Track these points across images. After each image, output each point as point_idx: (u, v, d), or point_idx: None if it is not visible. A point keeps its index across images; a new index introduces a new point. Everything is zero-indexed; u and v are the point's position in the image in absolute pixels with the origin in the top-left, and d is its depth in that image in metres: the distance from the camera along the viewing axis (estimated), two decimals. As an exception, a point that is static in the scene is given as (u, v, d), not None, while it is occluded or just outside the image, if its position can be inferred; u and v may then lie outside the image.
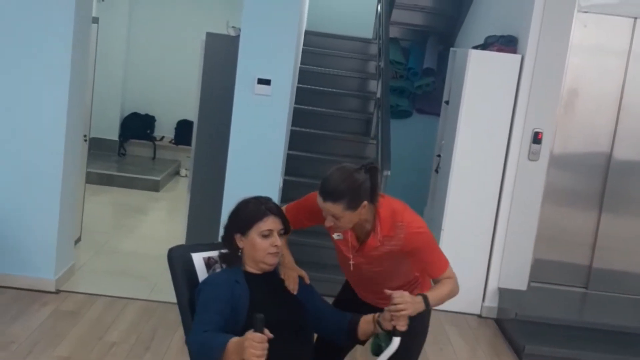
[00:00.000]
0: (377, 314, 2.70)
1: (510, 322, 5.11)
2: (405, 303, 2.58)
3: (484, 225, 5.39)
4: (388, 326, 2.61)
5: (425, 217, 6.25)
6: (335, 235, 2.86)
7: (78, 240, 5.81)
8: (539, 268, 5.43)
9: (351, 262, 2.86)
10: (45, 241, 4.78)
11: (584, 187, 5.43)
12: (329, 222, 2.71)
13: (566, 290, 5.50)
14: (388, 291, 2.61)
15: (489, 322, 5.36)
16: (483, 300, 5.44)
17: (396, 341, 2.59)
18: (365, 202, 2.67)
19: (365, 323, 2.74)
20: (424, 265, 2.87)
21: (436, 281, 2.85)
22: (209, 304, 2.56)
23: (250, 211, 2.73)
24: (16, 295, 4.68)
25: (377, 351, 2.69)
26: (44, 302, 4.65)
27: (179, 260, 2.86)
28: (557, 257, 5.49)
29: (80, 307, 4.65)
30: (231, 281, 2.65)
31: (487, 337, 5.11)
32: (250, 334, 2.27)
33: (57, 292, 4.83)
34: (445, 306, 5.39)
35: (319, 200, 2.69)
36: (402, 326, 2.57)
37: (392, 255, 2.80)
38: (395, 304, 2.57)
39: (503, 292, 5.36)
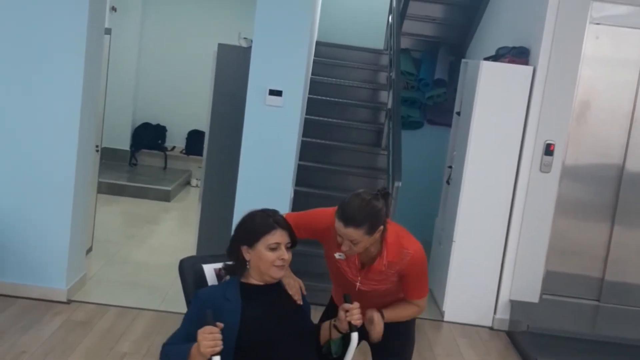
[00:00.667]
0: (332, 320, 2.80)
1: (522, 334, 5.08)
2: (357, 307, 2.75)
3: (495, 237, 5.37)
4: (344, 325, 2.72)
5: (437, 228, 6.24)
6: (337, 255, 2.96)
7: (89, 250, 5.83)
8: (551, 280, 5.40)
9: (357, 285, 2.96)
10: (57, 251, 4.80)
11: (596, 198, 5.40)
12: (345, 247, 2.80)
13: (578, 302, 5.46)
14: (346, 306, 2.74)
15: (501, 335, 5.33)
16: (494, 312, 5.42)
17: (354, 336, 2.73)
18: (381, 227, 2.81)
19: (324, 329, 2.83)
20: (406, 287, 3.00)
21: (410, 301, 3.03)
22: (185, 322, 2.62)
23: (258, 224, 2.74)
24: (28, 305, 4.69)
25: (327, 351, 2.81)
26: (56, 312, 4.66)
27: (190, 271, 2.88)
28: (570, 270, 5.45)
29: (92, 317, 4.65)
30: (219, 299, 2.64)
31: (498, 349, 5.08)
32: (201, 329, 2.38)
33: (69, 302, 4.84)
34: (457, 318, 5.45)
35: (339, 226, 2.77)
36: (356, 320, 2.72)
37: (391, 278, 2.94)
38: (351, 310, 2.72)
39: (515, 305, 5.33)
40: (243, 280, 2.75)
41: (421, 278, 2.98)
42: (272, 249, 2.69)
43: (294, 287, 2.84)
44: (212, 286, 2.81)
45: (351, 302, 2.73)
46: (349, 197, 2.81)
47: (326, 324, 2.83)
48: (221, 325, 2.41)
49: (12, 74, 4.66)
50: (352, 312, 2.70)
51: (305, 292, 2.90)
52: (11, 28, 4.61)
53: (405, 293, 3.01)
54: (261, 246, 2.69)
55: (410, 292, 3.01)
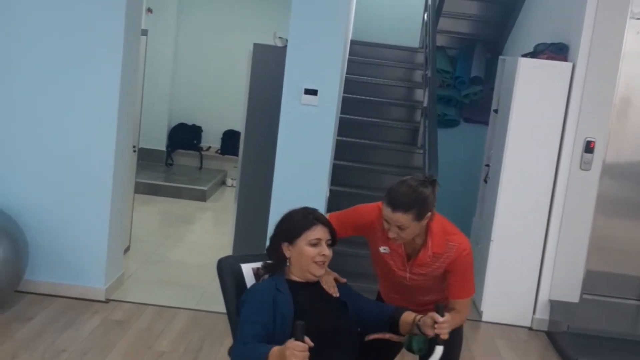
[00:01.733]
0: (418, 316, 2.72)
1: (562, 335, 5.00)
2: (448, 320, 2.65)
3: (534, 236, 5.29)
4: (429, 332, 2.64)
5: (474, 227, 6.18)
6: (382, 249, 2.94)
7: (127, 250, 5.88)
8: (591, 280, 5.30)
9: (408, 276, 2.93)
10: (96, 251, 4.85)
11: (637, 196, 5.28)
12: (392, 234, 2.78)
13: (619, 302, 5.36)
14: (439, 318, 2.62)
15: (540, 335, 5.25)
16: (534, 312, 5.34)
17: (439, 350, 2.64)
18: (430, 214, 2.78)
19: (406, 322, 2.77)
20: (451, 284, 2.92)
21: (453, 302, 2.92)
22: (251, 316, 2.58)
23: (299, 220, 2.74)
24: (67, 304, 4.75)
25: (409, 347, 2.74)
26: (94, 311, 4.71)
27: (228, 271, 2.87)
28: (610, 269, 5.35)
29: (130, 317, 4.69)
30: (273, 289, 2.65)
31: (538, 350, 5.01)
32: (292, 343, 2.29)
33: (107, 301, 4.88)
34: (496, 318, 5.39)
35: (387, 211, 2.75)
36: (445, 335, 2.62)
37: (438, 271, 2.89)
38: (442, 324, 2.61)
39: (554, 304, 5.26)
40: (285, 277, 2.75)
41: (466, 275, 2.91)
42: (313, 245, 2.69)
43: (328, 281, 2.83)
44: (260, 283, 2.79)
45: (442, 314, 2.63)
46: (396, 183, 2.79)
47: (409, 317, 2.76)
48: (311, 343, 2.33)
49: (51, 75, 4.71)
50: (442, 327, 2.60)
51: (342, 281, 2.88)
52: (49, 29, 4.66)
53: (449, 291, 2.93)
54: (302, 242, 2.70)
55: (455, 289, 2.91)
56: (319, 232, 2.71)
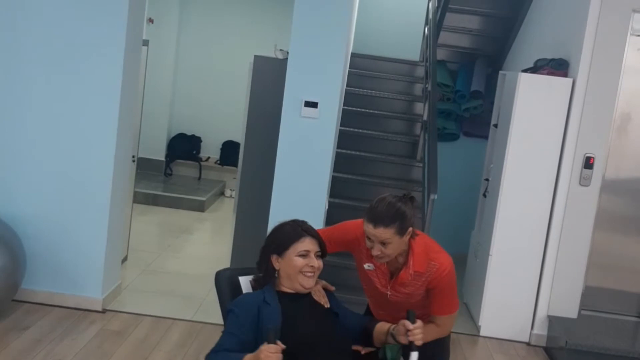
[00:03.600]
0: (391, 326, 2.77)
1: (560, 350, 4.98)
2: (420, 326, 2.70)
3: (533, 251, 5.28)
4: (402, 340, 2.68)
5: (473, 241, 6.17)
6: (366, 266, 3.00)
7: (124, 260, 5.86)
8: (590, 295, 5.30)
9: (388, 293, 2.97)
10: (94, 260, 4.83)
11: (636, 212, 5.29)
12: (376, 251, 2.82)
13: (618, 318, 5.35)
14: (410, 325, 2.67)
15: (538, 350, 5.23)
16: (532, 327, 5.33)
17: (414, 356, 2.67)
18: (411, 229, 2.83)
19: (380, 332, 2.81)
20: (432, 301, 2.96)
21: (435, 318, 2.96)
22: (233, 328, 2.61)
23: (287, 232, 2.78)
24: (64, 314, 4.73)
25: (383, 357, 2.80)
26: (91, 320, 4.69)
27: (226, 283, 2.89)
28: (609, 285, 5.34)
29: (127, 327, 4.67)
30: (259, 302, 2.67)
31: (535, 365, 4.99)
32: (265, 346, 2.36)
33: (104, 311, 4.86)
34: (494, 333, 5.37)
35: (369, 227, 2.79)
36: (418, 340, 2.67)
37: (420, 289, 2.93)
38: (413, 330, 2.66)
39: (553, 320, 5.24)
40: (276, 288, 2.76)
41: (447, 293, 2.94)
42: (302, 256, 2.73)
43: (318, 291, 2.85)
44: (250, 293, 2.81)
45: (414, 320, 2.68)
46: (375, 200, 2.85)
47: (383, 327, 2.81)
48: (283, 346, 2.40)
49: (51, 85, 4.71)
50: (415, 333, 2.65)
51: (331, 289, 2.92)
52: (51, 40, 4.67)
53: (431, 308, 2.97)
54: (291, 254, 2.73)
55: (435, 307, 2.96)
56: (307, 244, 2.74)
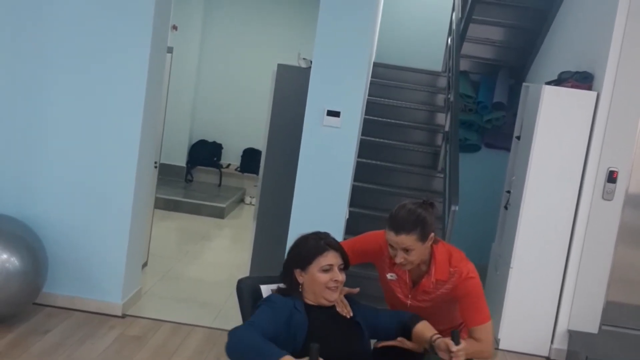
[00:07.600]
0: (433, 335, 2.73)
1: (580, 366, 4.93)
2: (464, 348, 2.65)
3: (554, 264, 5.24)
4: (442, 355, 2.65)
5: (493, 253, 6.13)
6: (389, 276, 3.01)
7: (144, 265, 5.89)
8: (611, 311, 5.24)
9: (408, 303, 2.97)
10: (114, 265, 4.86)
11: (659, 228, 5.24)
12: (399, 259, 2.82)
13: (639, 334, 5.29)
14: (453, 347, 2.62)
15: (558, 365, 5.20)
16: (552, 342, 5.28)
17: None
18: (432, 235, 2.84)
19: (420, 336, 2.77)
20: (463, 312, 2.93)
21: (472, 331, 2.89)
22: (264, 317, 2.60)
23: (310, 246, 2.77)
24: (84, 318, 4.75)
25: None
26: (111, 325, 4.71)
27: (248, 291, 2.89)
28: (631, 300, 5.28)
29: (146, 332, 4.69)
30: (290, 306, 2.68)
31: (555, 380, 4.95)
32: None
33: (124, 316, 4.88)
34: (513, 346, 5.32)
35: (390, 235, 2.79)
36: None
37: (442, 299, 2.92)
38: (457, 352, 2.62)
39: (573, 335, 5.19)
40: (302, 300, 2.77)
41: (474, 301, 2.90)
42: (325, 271, 2.72)
43: (341, 301, 2.85)
44: (280, 296, 2.80)
45: (458, 341, 2.64)
46: (396, 208, 2.87)
47: (425, 333, 2.77)
48: None
49: (77, 91, 4.75)
50: (458, 355, 2.61)
51: (355, 291, 2.93)
52: (76, 45, 4.71)
53: (464, 320, 2.95)
54: (314, 268, 2.72)
55: (467, 317, 2.93)
56: (330, 258, 2.73)
